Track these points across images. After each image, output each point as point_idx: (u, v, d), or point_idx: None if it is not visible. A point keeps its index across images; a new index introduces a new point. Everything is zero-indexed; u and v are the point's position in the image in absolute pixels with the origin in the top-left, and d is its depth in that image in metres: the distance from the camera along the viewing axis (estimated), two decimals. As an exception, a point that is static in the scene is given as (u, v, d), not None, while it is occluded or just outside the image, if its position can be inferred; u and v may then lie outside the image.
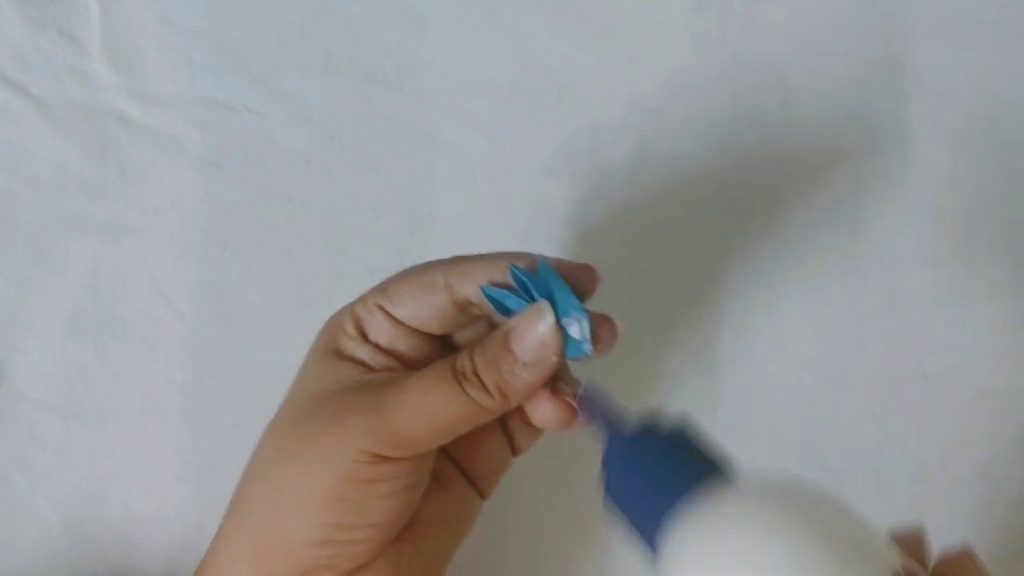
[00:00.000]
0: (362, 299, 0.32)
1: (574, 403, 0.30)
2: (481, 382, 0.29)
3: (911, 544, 0.29)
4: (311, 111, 0.42)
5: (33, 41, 0.41)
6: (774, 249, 0.43)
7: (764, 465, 0.42)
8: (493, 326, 0.32)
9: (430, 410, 0.29)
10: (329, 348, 0.32)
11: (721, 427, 0.42)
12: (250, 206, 0.42)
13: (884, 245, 0.43)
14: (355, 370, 0.31)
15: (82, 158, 0.41)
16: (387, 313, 0.31)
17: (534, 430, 0.33)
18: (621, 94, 0.43)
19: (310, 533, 0.29)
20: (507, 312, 0.30)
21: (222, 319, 0.41)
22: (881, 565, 0.24)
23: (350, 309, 0.32)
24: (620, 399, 0.42)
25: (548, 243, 0.42)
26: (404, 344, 0.31)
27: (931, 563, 0.29)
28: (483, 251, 0.42)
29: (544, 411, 0.30)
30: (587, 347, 0.29)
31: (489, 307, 0.30)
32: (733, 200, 0.43)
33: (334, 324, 0.32)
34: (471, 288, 0.30)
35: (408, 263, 0.41)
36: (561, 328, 0.29)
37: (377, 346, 0.31)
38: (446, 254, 0.42)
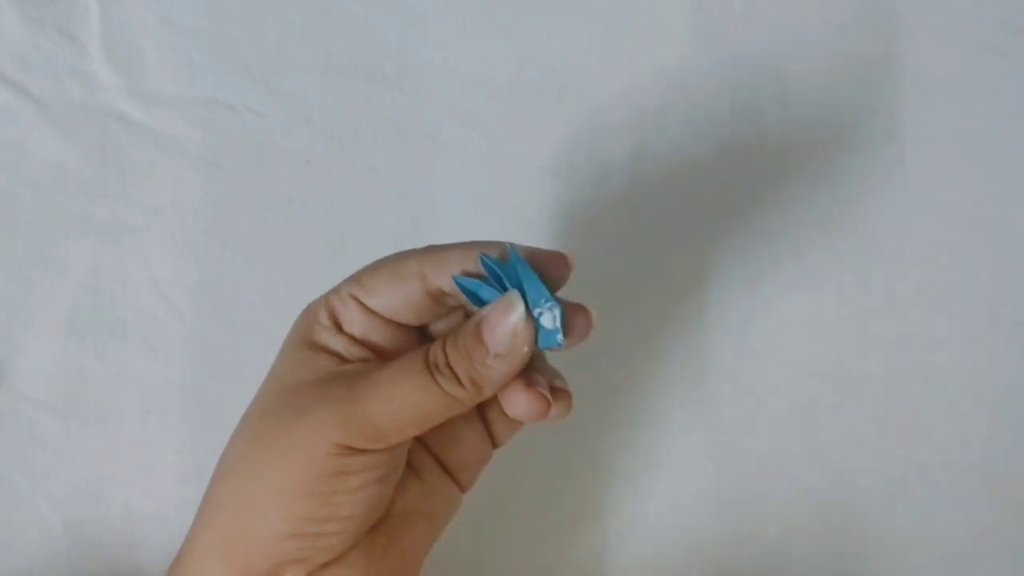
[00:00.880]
0: (336, 289, 0.31)
1: (548, 394, 0.30)
2: (453, 373, 0.29)
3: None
4: (311, 111, 0.42)
5: (33, 41, 0.41)
6: (774, 249, 0.43)
7: (764, 465, 0.42)
8: (469, 317, 0.31)
9: (402, 401, 0.29)
10: (303, 339, 0.31)
11: (721, 427, 0.42)
12: (250, 206, 0.42)
13: (884, 245, 0.43)
14: (329, 361, 0.30)
15: (82, 158, 0.41)
16: (361, 303, 0.31)
17: (513, 421, 0.33)
18: (621, 94, 0.43)
19: (281, 526, 0.29)
20: (481, 302, 0.29)
21: (222, 319, 0.41)
22: None
23: (324, 299, 0.31)
24: (620, 399, 0.42)
25: (548, 243, 0.42)
26: (379, 335, 0.31)
27: None
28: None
29: (518, 402, 0.30)
30: (559, 337, 0.29)
31: (463, 297, 0.30)
32: (733, 200, 0.43)
33: (308, 314, 0.32)
34: (444, 278, 0.30)
35: (408, 263, 0.42)
36: (532, 318, 0.29)
37: (351, 337, 0.31)
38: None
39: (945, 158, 0.43)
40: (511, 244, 0.29)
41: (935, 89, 0.43)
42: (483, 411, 0.33)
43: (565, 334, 0.29)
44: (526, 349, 0.29)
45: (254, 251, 0.41)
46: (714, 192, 0.43)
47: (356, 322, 0.31)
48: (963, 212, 0.43)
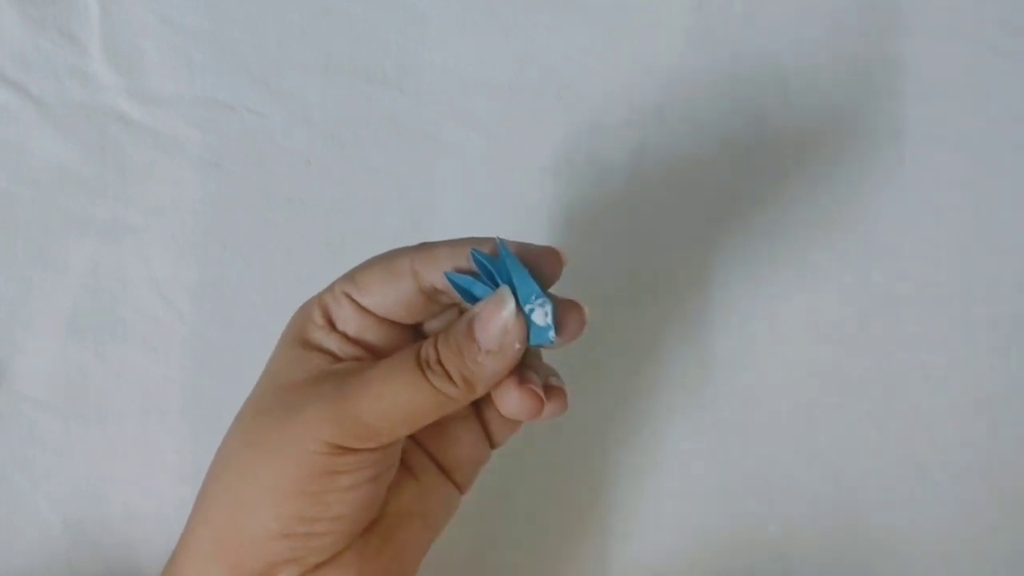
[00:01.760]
0: (330, 287, 0.31)
1: (542, 392, 0.29)
2: (445, 371, 0.28)
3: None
4: (311, 111, 0.42)
5: (33, 41, 0.41)
6: (774, 249, 0.43)
7: (764, 465, 0.42)
8: (463, 313, 0.31)
9: (393, 399, 0.28)
10: (297, 337, 0.31)
11: (721, 427, 0.42)
12: (250, 206, 0.42)
13: (884, 245, 0.43)
14: (322, 360, 0.30)
15: (82, 158, 0.41)
16: (354, 301, 0.30)
17: (511, 421, 0.32)
18: (621, 94, 0.43)
19: (272, 526, 0.28)
20: (473, 299, 0.29)
21: (222, 319, 0.41)
22: None
23: (318, 298, 0.31)
24: (620, 399, 0.42)
25: (548, 243, 0.42)
26: (372, 333, 0.31)
27: None
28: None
29: (511, 400, 0.29)
30: (551, 334, 0.29)
31: (456, 294, 0.29)
32: (733, 200, 0.43)
33: (303, 313, 0.31)
34: (437, 274, 0.29)
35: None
36: (524, 314, 0.28)
37: (345, 335, 0.31)
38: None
39: (945, 158, 0.43)
40: (501, 239, 0.29)
41: (935, 89, 0.43)
42: (480, 411, 0.33)
43: (558, 331, 0.29)
44: (518, 346, 0.28)
45: (254, 251, 0.41)
46: (714, 192, 0.43)
47: (350, 320, 0.31)
48: (963, 212, 0.43)
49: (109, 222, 0.41)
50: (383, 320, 0.31)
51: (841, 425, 0.42)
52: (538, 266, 0.29)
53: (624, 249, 0.42)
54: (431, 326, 0.32)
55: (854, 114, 0.43)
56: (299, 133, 0.42)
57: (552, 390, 0.30)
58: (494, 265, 0.29)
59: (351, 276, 0.31)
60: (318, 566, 0.29)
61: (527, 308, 0.28)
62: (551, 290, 0.29)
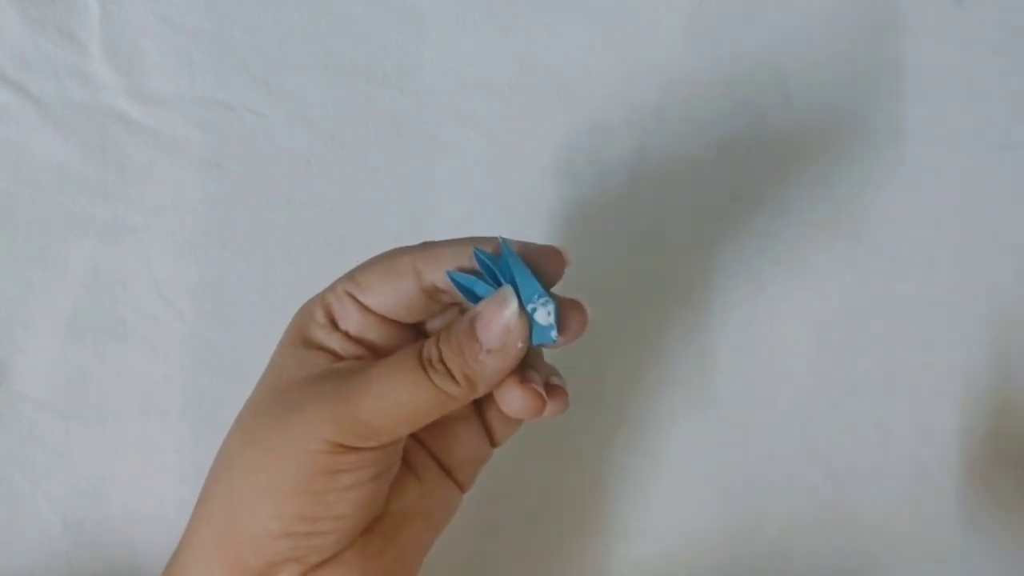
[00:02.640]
0: (332, 287, 0.31)
1: (543, 391, 0.29)
2: (447, 370, 0.28)
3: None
4: (311, 111, 0.42)
5: (33, 41, 0.41)
6: (774, 249, 0.43)
7: (764, 464, 0.42)
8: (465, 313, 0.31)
9: (395, 398, 0.28)
10: (299, 336, 0.31)
11: (721, 427, 0.42)
12: (250, 206, 0.42)
13: (884, 245, 0.43)
14: (324, 359, 0.30)
15: (82, 158, 0.41)
16: (356, 301, 0.30)
17: (512, 420, 0.32)
18: (621, 94, 0.43)
19: (273, 525, 0.28)
20: (476, 298, 0.29)
21: (222, 319, 0.41)
22: None
23: (320, 297, 0.31)
24: (621, 399, 0.42)
25: (548, 242, 0.42)
26: (374, 333, 0.31)
27: None
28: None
29: (512, 399, 0.29)
30: (554, 333, 0.29)
31: (457, 293, 0.29)
32: (733, 200, 0.43)
33: (304, 312, 0.31)
34: (439, 274, 0.29)
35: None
36: (526, 314, 0.28)
37: (347, 334, 0.31)
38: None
39: (945, 158, 0.43)
40: (503, 239, 0.29)
41: (935, 89, 0.43)
42: (482, 410, 0.33)
43: (560, 330, 0.29)
44: (520, 345, 0.28)
45: (254, 251, 0.41)
46: (714, 192, 0.43)
47: (352, 320, 0.31)
48: (963, 212, 0.43)
49: (109, 222, 0.41)
50: (385, 319, 0.31)
51: (841, 425, 0.42)
52: (541, 265, 0.29)
53: (624, 249, 0.42)
54: (432, 325, 0.32)
55: (854, 114, 0.43)
56: (299, 133, 0.42)
57: (553, 389, 0.30)
58: (496, 264, 0.28)
59: (353, 276, 0.31)
60: (319, 565, 0.29)
61: (530, 307, 0.28)
62: (553, 289, 0.29)
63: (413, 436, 0.32)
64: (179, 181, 0.41)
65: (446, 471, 0.33)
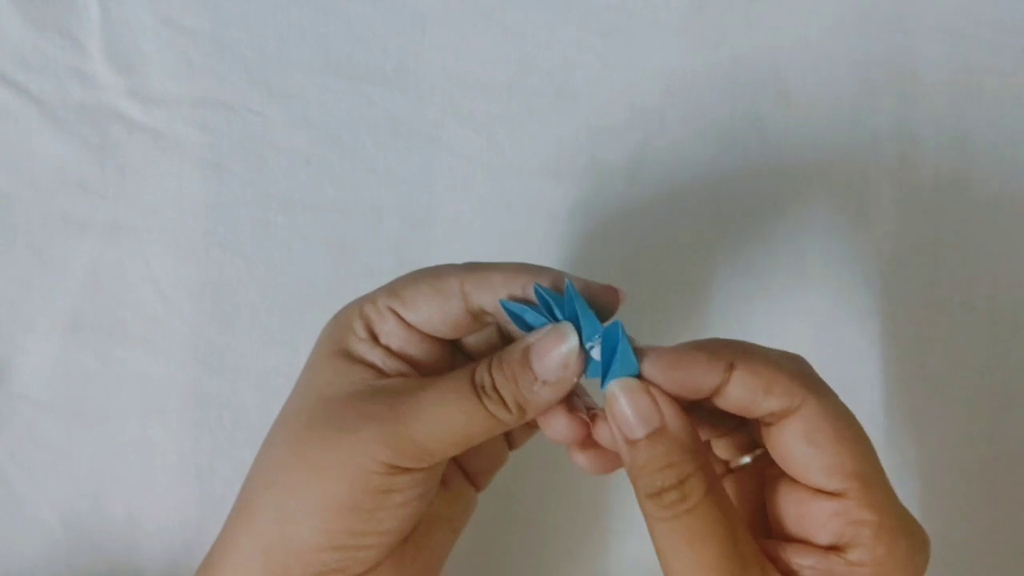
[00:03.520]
0: (371, 300, 0.31)
1: (589, 420, 0.30)
2: (500, 397, 0.29)
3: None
4: (311, 111, 0.42)
5: (33, 41, 0.41)
6: (774, 249, 0.43)
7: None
8: (501, 332, 0.32)
9: (449, 423, 0.29)
10: (338, 348, 0.31)
11: (721, 427, 0.42)
12: (250, 206, 0.42)
13: (884, 245, 0.43)
14: (367, 373, 0.30)
15: (82, 158, 0.41)
16: (399, 317, 0.31)
17: (531, 426, 0.33)
18: (621, 94, 0.43)
19: (321, 539, 0.29)
20: (525, 326, 0.29)
21: (222, 319, 0.41)
22: None
23: (358, 309, 0.31)
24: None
25: (548, 243, 0.42)
26: (415, 348, 0.31)
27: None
28: (483, 251, 0.42)
29: (558, 426, 0.30)
30: None
31: (504, 317, 0.30)
32: (732, 200, 0.43)
33: (342, 324, 0.31)
34: (487, 298, 0.30)
35: (408, 263, 0.42)
36: (584, 350, 0.29)
37: (388, 349, 0.31)
38: (446, 254, 0.42)
39: (945, 158, 0.43)
40: (568, 278, 0.29)
41: (935, 89, 0.43)
42: None
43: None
44: (575, 379, 0.29)
45: (254, 251, 0.41)
46: (714, 192, 0.43)
47: (393, 335, 0.31)
48: (963, 212, 0.43)
49: (109, 222, 0.41)
50: (425, 336, 0.31)
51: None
52: (598, 301, 0.30)
53: (624, 249, 0.42)
54: (468, 341, 0.33)
55: (854, 114, 0.43)
56: (299, 133, 0.42)
57: (595, 416, 0.30)
58: (556, 300, 0.29)
59: (396, 292, 0.31)
60: (361, 575, 0.30)
61: (588, 345, 0.29)
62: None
63: None
64: (179, 181, 0.41)
65: (467, 475, 0.34)
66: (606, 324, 0.29)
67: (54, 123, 0.41)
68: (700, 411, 0.30)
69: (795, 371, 0.28)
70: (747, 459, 0.31)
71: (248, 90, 0.42)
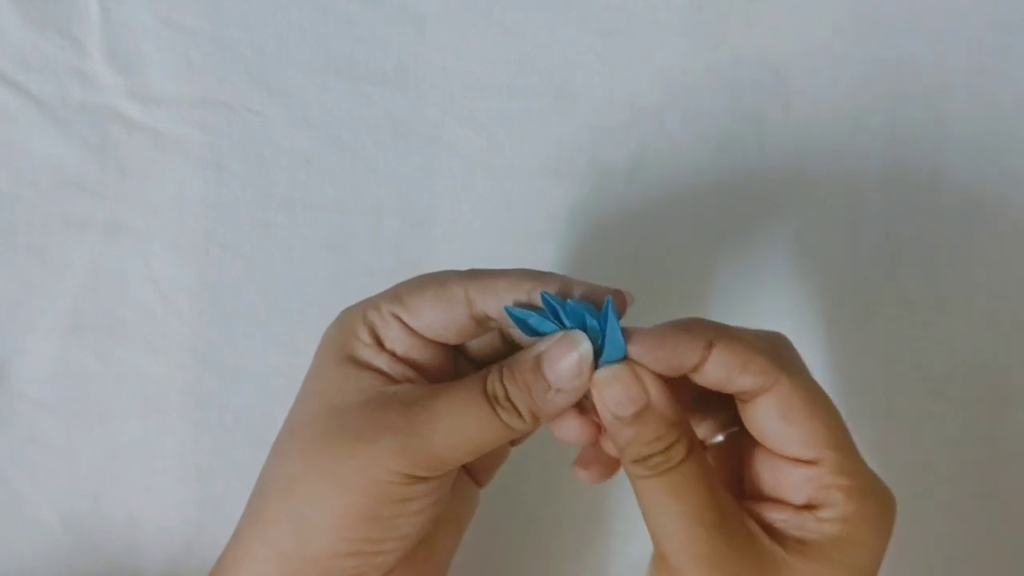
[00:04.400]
0: (374, 305, 0.31)
1: (600, 421, 0.30)
2: (514, 406, 0.29)
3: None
4: (311, 111, 0.42)
5: (33, 41, 0.41)
6: (774, 249, 0.43)
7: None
8: (504, 336, 0.32)
9: (464, 433, 0.29)
10: (343, 355, 0.31)
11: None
12: (250, 206, 0.42)
13: (884, 246, 0.43)
14: (376, 380, 0.30)
15: (82, 158, 0.41)
16: (404, 323, 0.31)
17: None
18: (621, 94, 0.43)
19: (339, 547, 0.29)
20: (531, 331, 0.29)
21: (222, 319, 0.41)
22: None
23: (362, 315, 0.31)
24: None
25: (548, 243, 0.42)
26: (419, 353, 0.31)
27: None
28: (483, 251, 0.42)
29: (570, 428, 0.31)
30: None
31: (509, 323, 0.30)
32: (732, 200, 0.43)
33: (345, 329, 0.31)
34: (492, 304, 0.30)
35: (408, 263, 0.42)
36: (596, 358, 0.29)
37: (393, 354, 0.31)
38: (446, 254, 0.42)
39: (945, 158, 0.43)
40: (609, 299, 0.29)
41: (935, 89, 0.43)
42: None
43: None
44: (588, 386, 0.29)
45: (254, 251, 0.41)
46: (714, 192, 0.43)
47: (398, 341, 0.31)
48: (963, 212, 0.43)
49: (109, 222, 0.41)
50: (430, 341, 0.31)
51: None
52: (602, 303, 0.30)
53: (624, 249, 0.42)
54: (471, 345, 0.33)
55: (854, 114, 0.43)
56: (299, 133, 0.42)
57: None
58: (562, 307, 0.29)
59: (400, 298, 0.31)
60: None
61: (602, 361, 0.29)
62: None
63: None
64: (179, 181, 0.41)
65: (471, 474, 0.34)
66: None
67: (54, 123, 0.41)
68: (680, 395, 0.31)
69: (770, 351, 0.30)
70: (720, 437, 0.33)
71: (248, 90, 0.42)
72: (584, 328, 0.29)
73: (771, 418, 0.29)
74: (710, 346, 0.29)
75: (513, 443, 0.34)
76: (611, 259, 0.42)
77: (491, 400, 0.29)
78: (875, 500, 0.30)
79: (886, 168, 0.43)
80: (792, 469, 0.30)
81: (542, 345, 0.29)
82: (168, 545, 0.40)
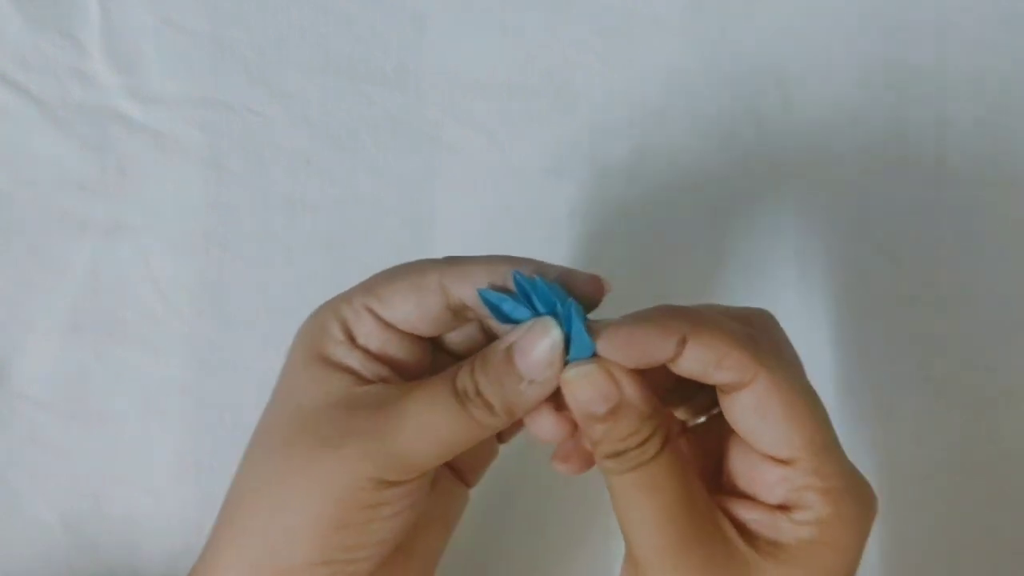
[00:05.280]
0: (347, 299, 0.30)
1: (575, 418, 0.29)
2: (485, 401, 0.28)
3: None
4: (311, 111, 0.42)
5: (33, 41, 0.41)
6: (774, 250, 0.43)
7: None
8: (484, 329, 0.31)
9: (433, 434, 0.28)
10: (314, 353, 0.30)
11: (721, 427, 0.42)
12: (250, 206, 0.42)
13: (885, 246, 0.43)
14: (345, 380, 0.29)
15: (82, 158, 0.41)
16: (377, 316, 0.29)
17: (520, 422, 0.31)
18: (621, 94, 0.43)
19: (314, 555, 0.28)
20: (504, 317, 0.28)
21: (222, 319, 0.41)
22: None
23: (333, 310, 0.30)
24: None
25: (548, 243, 0.42)
26: (394, 348, 0.30)
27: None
28: (483, 251, 0.42)
29: (545, 425, 0.29)
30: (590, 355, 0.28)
31: (484, 311, 0.29)
32: (733, 200, 0.43)
33: (317, 326, 0.30)
34: (467, 291, 0.29)
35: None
36: (567, 347, 0.27)
37: (367, 351, 0.30)
38: (446, 254, 0.42)
39: (945, 158, 0.43)
40: (571, 303, 0.28)
41: (935, 89, 0.43)
42: None
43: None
44: (560, 376, 0.28)
45: (254, 251, 0.41)
46: (714, 192, 0.43)
47: (372, 336, 0.30)
48: (964, 212, 0.43)
49: (109, 222, 0.41)
50: (404, 334, 0.30)
51: (841, 425, 0.42)
52: (580, 292, 0.29)
53: (624, 249, 0.42)
54: (451, 340, 0.32)
55: (854, 114, 0.43)
56: (299, 133, 0.42)
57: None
58: (534, 288, 0.28)
59: (373, 289, 0.30)
60: None
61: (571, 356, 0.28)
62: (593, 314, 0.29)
63: None
64: (179, 181, 0.41)
65: (456, 473, 0.33)
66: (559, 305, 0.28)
67: (54, 123, 0.41)
68: (661, 379, 0.29)
69: (749, 342, 0.28)
70: (702, 419, 0.32)
71: (248, 90, 0.42)
72: (555, 312, 0.27)
73: (747, 414, 0.28)
74: (684, 341, 0.27)
75: (501, 440, 0.33)
76: (611, 259, 0.42)
77: (461, 397, 0.28)
78: (852, 501, 0.29)
79: (886, 168, 0.43)
80: (767, 467, 0.29)
81: (514, 335, 0.28)
82: (167, 545, 0.40)
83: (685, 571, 0.28)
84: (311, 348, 0.30)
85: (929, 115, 0.43)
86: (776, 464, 0.28)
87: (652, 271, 0.42)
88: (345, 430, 0.28)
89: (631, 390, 0.27)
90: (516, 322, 0.28)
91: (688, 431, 0.32)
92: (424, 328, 0.30)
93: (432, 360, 0.31)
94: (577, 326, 0.27)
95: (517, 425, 0.32)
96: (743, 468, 0.30)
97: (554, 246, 0.42)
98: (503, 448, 0.34)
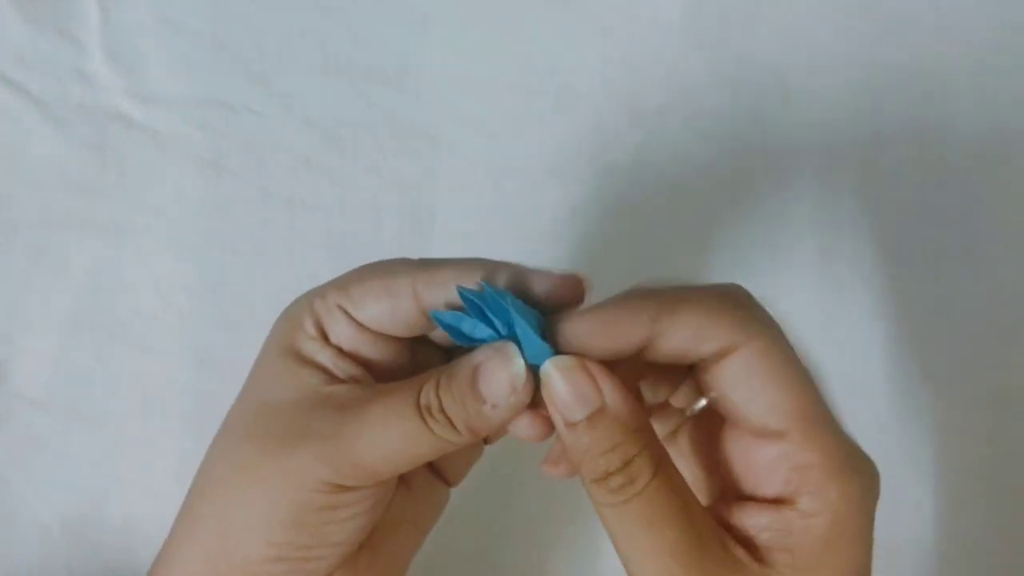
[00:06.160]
0: (321, 294, 0.29)
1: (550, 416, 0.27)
2: (448, 419, 0.27)
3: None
4: (311, 111, 0.42)
5: (33, 41, 0.41)
6: (774, 250, 0.43)
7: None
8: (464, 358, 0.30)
9: (391, 445, 0.27)
10: (286, 347, 0.29)
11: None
12: (250, 206, 0.42)
13: (886, 246, 0.43)
14: (315, 377, 0.29)
15: (82, 158, 0.41)
16: (349, 316, 0.29)
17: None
18: (621, 94, 0.43)
19: (266, 551, 0.28)
20: (466, 339, 0.27)
21: (222, 319, 0.41)
22: None
23: (308, 305, 0.29)
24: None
25: (549, 243, 0.42)
26: (368, 348, 0.29)
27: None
28: (483, 251, 0.42)
29: (522, 426, 0.28)
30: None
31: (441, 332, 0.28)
32: (733, 200, 0.43)
33: (292, 321, 0.29)
34: (439, 297, 0.28)
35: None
36: (531, 368, 0.26)
37: (339, 349, 0.29)
38: (445, 254, 0.41)
39: (946, 159, 0.43)
40: (509, 297, 0.26)
41: (935, 89, 0.43)
42: None
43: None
44: (527, 399, 0.27)
45: (254, 251, 0.41)
46: (714, 192, 0.43)
47: (344, 334, 0.29)
48: (964, 213, 0.43)
49: (109, 222, 0.41)
50: (379, 334, 0.29)
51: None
52: (557, 294, 0.28)
53: (624, 249, 0.42)
54: (435, 336, 0.31)
55: (854, 114, 0.43)
56: (299, 133, 0.42)
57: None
58: (487, 303, 0.26)
59: (346, 288, 0.29)
60: None
61: (534, 364, 0.26)
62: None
63: None
64: (179, 181, 0.41)
65: (436, 472, 0.32)
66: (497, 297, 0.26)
67: (54, 123, 0.41)
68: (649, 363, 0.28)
69: (728, 312, 0.26)
70: (703, 402, 0.29)
71: (248, 90, 0.42)
72: (512, 327, 0.26)
73: (734, 382, 0.26)
74: (656, 319, 0.26)
75: (486, 442, 0.32)
76: (612, 259, 0.42)
77: (423, 412, 0.27)
78: (856, 478, 0.27)
79: (886, 168, 0.43)
80: (761, 448, 0.27)
81: (479, 356, 0.27)
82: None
83: None
84: (283, 342, 0.29)
85: (929, 115, 0.43)
86: (769, 442, 0.27)
87: (652, 271, 0.42)
88: (305, 431, 0.28)
89: (612, 393, 0.26)
90: (479, 342, 0.27)
91: (685, 424, 0.31)
92: (397, 330, 0.29)
93: (412, 356, 0.30)
94: (524, 331, 0.26)
95: (501, 430, 0.32)
96: (739, 457, 0.28)
97: (554, 246, 0.42)
98: (503, 448, 0.34)
